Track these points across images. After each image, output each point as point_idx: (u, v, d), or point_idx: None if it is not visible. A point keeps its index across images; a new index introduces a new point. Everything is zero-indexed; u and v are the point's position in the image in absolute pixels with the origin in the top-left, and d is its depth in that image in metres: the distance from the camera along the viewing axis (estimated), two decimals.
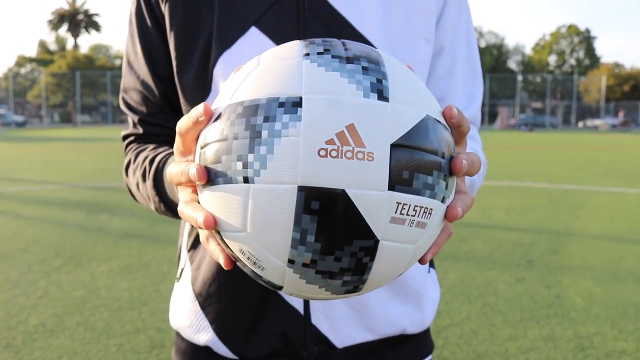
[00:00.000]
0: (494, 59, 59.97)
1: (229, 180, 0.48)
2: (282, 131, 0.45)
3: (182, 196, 0.56)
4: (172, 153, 0.78)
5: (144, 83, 0.88)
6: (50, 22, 68.09)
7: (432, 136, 0.48)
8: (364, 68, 0.48)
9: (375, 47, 0.72)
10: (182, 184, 0.54)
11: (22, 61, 63.33)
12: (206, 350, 0.86)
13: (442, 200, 0.50)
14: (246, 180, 0.47)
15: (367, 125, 0.45)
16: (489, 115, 56.06)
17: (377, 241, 0.47)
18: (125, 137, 0.95)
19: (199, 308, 0.85)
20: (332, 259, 0.47)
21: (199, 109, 0.51)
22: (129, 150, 0.92)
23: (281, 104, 0.46)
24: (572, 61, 67.93)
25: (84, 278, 4.34)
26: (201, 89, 0.81)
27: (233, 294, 0.82)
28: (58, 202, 7.89)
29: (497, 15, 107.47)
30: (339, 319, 0.82)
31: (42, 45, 70.55)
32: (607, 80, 57.80)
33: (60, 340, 3.20)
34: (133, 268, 4.59)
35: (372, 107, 0.46)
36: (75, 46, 66.36)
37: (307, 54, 0.49)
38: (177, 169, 0.53)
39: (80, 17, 67.56)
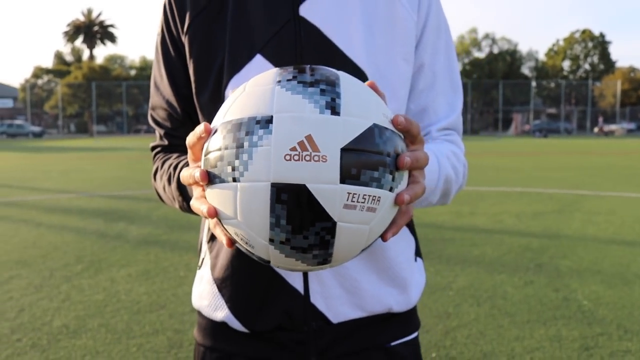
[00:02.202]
0: (507, 65, 59.79)
1: (222, 180, 0.64)
2: (258, 142, 0.61)
3: (194, 193, 0.72)
4: None
5: (168, 102, 1.03)
6: (66, 33, 69.06)
7: (378, 140, 0.62)
8: (321, 90, 0.63)
9: (362, 68, 0.92)
10: (192, 184, 0.70)
11: (39, 72, 64.17)
12: (222, 325, 1.00)
13: (390, 190, 0.64)
14: (234, 179, 0.63)
15: (322, 135, 0.60)
16: (503, 122, 55.90)
17: (334, 223, 0.62)
18: (153, 148, 1.10)
19: (217, 290, 0.99)
20: (301, 237, 0.62)
21: (200, 128, 0.67)
22: (157, 159, 1.07)
23: (258, 122, 0.62)
24: (587, 66, 67.55)
25: (104, 283, 4.49)
26: (215, 107, 0.91)
27: (244, 278, 0.96)
28: (76, 210, 8.09)
29: (509, 22, 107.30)
30: (334, 299, 0.95)
31: (59, 57, 71.54)
32: (622, 85, 57.43)
33: (83, 340, 3.35)
34: (151, 273, 4.74)
35: (326, 121, 0.61)
36: (91, 57, 67.23)
37: (279, 81, 0.65)
38: (187, 173, 0.70)
39: (96, 28, 68.49)
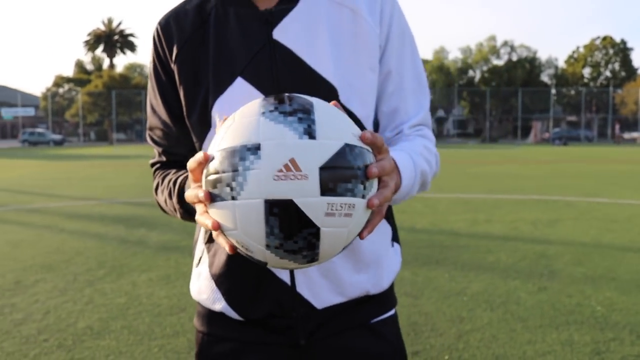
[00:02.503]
0: (526, 72, 59.46)
1: (222, 199, 0.77)
2: (250, 166, 0.74)
3: (197, 210, 0.85)
4: (188, 176, 1.05)
5: (164, 123, 1.17)
6: (86, 42, 70.14)
7: (349, 157, 0.76)
8: (299, 118, 0.76)
9: (331, 82, 1.05)
10: (195, 203, 0.84)
11: (60, 81, 65.19)
12: (220, 314, 1.13)
13: (363, 197, 0.77)
14: (233, 198, 0.75)
15: (303, 157, 0.73)
16: (522, 130, 55.52)
17: (318, 228, 0.75)
18: (153, 165, 1.25)
19: (215, 285, 1.13)
20: (292, 242, 0.76)
21: (200, 155, 0.81)
22: (157, 175, 1.21)
23: (249, 149, 0.75)
24: (608, 73, 66.92)
25: (126, 287, 4.63)
26: (203, 127, 1.09)
27: (238, 274, 1.10)
28: (98, 217, 8.27)
29: (529, 29, 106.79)
30: (317, 287, 1.09)
31: (79, 65, 72.60)
32: None
33: (106, 341, 3.48)
34: (171, 278, 4.88)
35: (305, 145, 0.74)
36: (111, 66, 68.17)
37: (263, 112, 0.78)
38: (191, 193, 0.84)
39: (116, 37, 69.46)
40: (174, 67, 1.11)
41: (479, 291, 4.38)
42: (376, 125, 1.16)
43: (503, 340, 3.42)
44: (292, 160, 0.73)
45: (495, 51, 60.96)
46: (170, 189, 1.10)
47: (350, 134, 0.79)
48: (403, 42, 1.14)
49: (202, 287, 1.16)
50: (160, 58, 1.13)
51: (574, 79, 65.80)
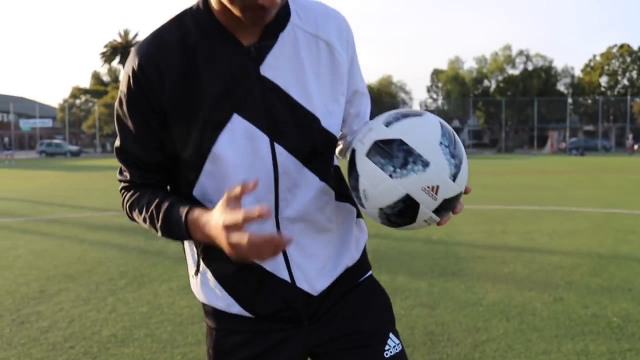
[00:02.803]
0: (542, 82, 59.16)
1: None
2: (416, 171, 1.14)
3: (231, 234, 1.00)
4: (176, 203, 1.17)
5: (145, 152, 1.22)
6: (103, 54, 71.00)
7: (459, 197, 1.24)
8: (455, 165, 1.17)
9: (314, 113, 1.20)
10: (232, 225, 1.00)
11: (76, 92, 66.03)
12: (231, 314, 1.29)
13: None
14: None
15: (443, 190, 1.15)
16: (538, 140, 55.16)
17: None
18: (122, 183, 1.31)
19: (226, 293, 1.28)
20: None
21: (237, 190, 1.00)
22: (129, 194, 1.27)
23: (422, 161, 1.13)
24: (625, 82, 66.41)
25: (148, 296, 4.75)
26: (199, 160, 1.18)
27: (246, 280, 1.26)
28: (117, 227, 8.43)
29: (544, 38, 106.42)
30: (312, 279, 1.28)
31: (96, 77, 73.49)
32: None
33: (130, 349, 3.59)
34: (191, 288, 4.98)
35: (449, 184, 1.16)
36: None
37: (440, 142, 1.15)
38: (232, 218, 0.99)
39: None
40: (163, 103, 1.15)
41: (495, 302, 4.44)
42: None
43: (519, 350, 3.48)
44: (437, 187, 1.12)
45: (510, 60, 60.78)
46: (153, 213, 1.19)
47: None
48: (356, 61, 1.33)
49: (214, 295, 1.30)
50: (144, 92, 1.15)
51: (590, 88, 65.35)
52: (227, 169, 1.17)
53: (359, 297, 1.38)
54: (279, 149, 1.17)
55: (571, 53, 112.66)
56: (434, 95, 74.62)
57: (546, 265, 5.62)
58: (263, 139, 1.16)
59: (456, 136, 1.19)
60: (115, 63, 71.48)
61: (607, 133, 60.01)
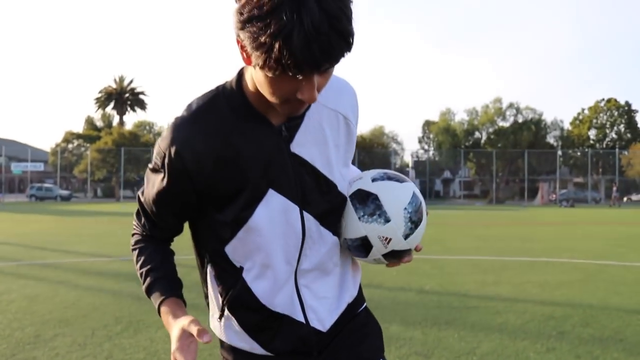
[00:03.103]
0: (532, 134, 60.00)
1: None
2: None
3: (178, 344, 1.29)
4: (161, 281, 1.41)
5: (169, 217, 1.41)
6: (97, 99, 71.61)
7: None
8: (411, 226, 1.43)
9: (335, 183, 1.38)
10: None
11: (69, 137, 66.17)
12: (250, 353, 1.45)
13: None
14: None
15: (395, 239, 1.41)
16: (529, 191, 55.66)
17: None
18: (135, 234, 1.52)
19: (249, 337, 1.44)
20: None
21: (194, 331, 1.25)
22: (138, 244, 1.49)
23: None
24: (613, 135, 67.59)
25: (144, 342, 4.78)
26: (235, 227, 1.33)
27: (267, 324, 1.42)
28: (111, 274, 8.45)
29: (534, 91, 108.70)
30: (323, 319, 1.44)
31: (89, 122, 73.86)
32: None
33: None
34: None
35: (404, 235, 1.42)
36: (121, 123, 69.32)
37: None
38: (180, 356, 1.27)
39: (127, 95, 70.97)
40: (199, 186, 1.28)
41: (488, 351, 4.51)
42: None
43: None
44: (389, 239, 1.37)
45: (501, 113, 61.78)
46: (142, 274, 1.43)
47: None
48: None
49: (237, 337, 1.44)
50: (179, 176, 1.27)
51: (579, 141, 66.41)
52: (260, 237, 1.32)
53: (357, 327, 1.54)
54: (307, 216, 1.34)
55: (560, 106, 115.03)
56: (426, 146, 75.60)
57: (538, 315, 5.71)
58: (295, 210, 1.33)
59: (423, 206, 1.45)
60: (109, 109, 72.09)
61: (597, 185, 60.67)
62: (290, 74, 1.04)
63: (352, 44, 1.06)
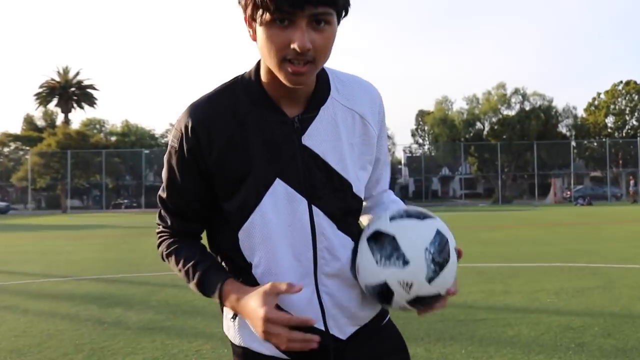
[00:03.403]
0: (541, 123, 60.54)
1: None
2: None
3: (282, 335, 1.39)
4: (211, 270, 1.54)
5: (188, 203, 1.59)
6: (38, 95, 70.65)
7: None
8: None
9: (347, 179, 1.55)
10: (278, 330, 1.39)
11: (5, 139, 65.43)
12: (266, 355, 1.57)
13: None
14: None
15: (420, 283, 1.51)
16: (540, 188, 56.21)
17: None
18: (160, 233, 1.68)
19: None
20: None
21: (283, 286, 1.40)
22: (165, 243, 1.65)
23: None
24: (634, 122, 68.51)
25: None
26: (244, 213, 1.52)
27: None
28: (65, 295, 8.50)
29: (542, 75, 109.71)
30: (342, 326, 1.59)
31: (28, 121, 72.94)
32: None
33: None
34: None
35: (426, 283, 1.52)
36: (66, 121, 68.48)
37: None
38: (281, 332, 1.39)
39: (73, 89, 70.21)
40: (210, 164, 1.49)
41: None
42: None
43: None
44: (411, 283, 1.47)
45: (505, 100, 62.32)
46: (189, 271, 1.55)
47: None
48: (384, 133, 1.69)
49: (253, 337, 1.57)
50: (193, 152, 1.50)
51: (596, 130, 67.26)
52: (266, 228, 1.50)
53: (381, 340, 1.69)
54: (316, 210, 1.51)
55: (573, 91, 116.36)
56: (420, 140, 76.16)
57: (554, 326, 5.89)
58: (302, 202, 1.50)
59: (450, 245, 1.51)
60: (52, 105, 71.24)
61: (617, 179, 61.44)
62: (275, 16, 1.31)
63: None
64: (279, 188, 1.48)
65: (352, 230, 1.59)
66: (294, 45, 1.32)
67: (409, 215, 1.52)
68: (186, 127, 1.49)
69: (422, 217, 1.51)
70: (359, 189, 1.58)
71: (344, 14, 1.44)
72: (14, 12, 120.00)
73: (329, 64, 1.51)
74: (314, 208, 1.51)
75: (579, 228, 20.10)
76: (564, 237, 16.20)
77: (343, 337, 1.60)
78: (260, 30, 1.37)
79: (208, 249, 1.64)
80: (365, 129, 1.59)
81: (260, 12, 1.32)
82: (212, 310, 7.18)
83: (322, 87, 1.54)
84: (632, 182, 48.15)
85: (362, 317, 1.64)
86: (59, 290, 9.06)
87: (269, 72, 1.46)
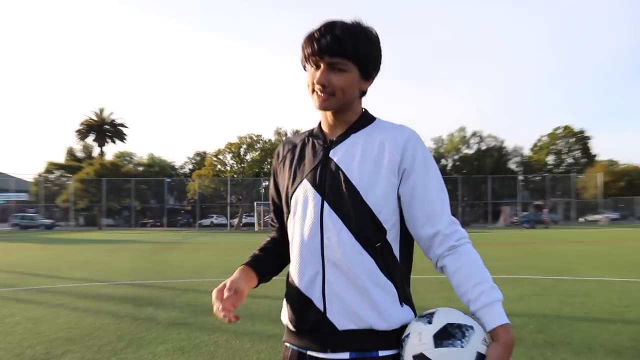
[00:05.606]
0: (495, 160, 61.36)
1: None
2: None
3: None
4: (250, 258, 1.77)
5: (274, 206, 1.86)
6: (78, 131, 70.92)
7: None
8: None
9: (356, 186, 1.56)
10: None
11: (51, 167, 65.39)
12: (288, 328, 1.69)
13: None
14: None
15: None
16: (492, 214, 56.68)
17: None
18: (272, 221, 1.90)
19: (286, 306, 1.70)
20: None
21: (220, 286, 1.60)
22: (272, 231, 1.90)
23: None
24: (570, 160, 69.30)
25: (147, 356, 5.08)
26: (287, 209, 1.76)
27: (297, 298, 1.64)
28: (105, 297, 8.68)
29: (495, 120, 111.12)
30: (338, 315, 1.55)
31: (70, 153, 72.99)
32: (603, 177, 58.83)
33: None
34: (186, 348, 5.35)
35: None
36: (101, 154, 68.74)
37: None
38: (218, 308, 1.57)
39: (107, 127, 70.51)
40: (277, 172, 1.79)
41: None
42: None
43: None
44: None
45: (465, 141, 63.10)
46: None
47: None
48: (420, 172, 1.60)
49: (284, 312, 1.70)
50: (275, 164, 1.82)
51: (539, 166, 67.97)
52: (295, 214, 1.67)
53: None
54: (326, 206, 1.59)
55: (520, 134, 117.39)
56: None
57: None
58: (317, 198, 1.61)
59: None
60: (90, 140, 71.48)
61: (555, 207, 61.98)
62: (310, 64, 1.60)
63: (343, 45, 1.55)
64: (305, 186, 1.64)
65: (359, 231, 1.56)
66: (315, 80, 1.58)
67: (452, 336, 1.43)
68: (277, 149, 1.85)
69: (462, 338, 1.43)
70: (366, 194, 1.57)
71: (368, 68, 1.62)
72: (58, 57, 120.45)
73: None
74: (325, 204, 1.59)
75: (523, 247, 20.39)
76: (510, 254, 16.47)
77: (338, 326, 1.55)
78: (305, 75, 1.63)
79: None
80: (381, 152, 1.60)
81: (305, 62, 1.62)
82: None
83: (361, 123, 1.67)
84: (545, 210, 48.51)
85: (358, 316, 1.54)
86: (100, 292, 9.23)
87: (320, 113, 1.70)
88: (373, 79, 1.68)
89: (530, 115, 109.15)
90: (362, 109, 1.71)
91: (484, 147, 63.04)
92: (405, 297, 1.62)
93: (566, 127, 70.22)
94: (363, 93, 1.69)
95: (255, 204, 53.45)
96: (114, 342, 5.63)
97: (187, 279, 10.95)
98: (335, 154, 1.63)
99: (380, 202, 1.57)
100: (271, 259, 1.80)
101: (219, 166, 56.57)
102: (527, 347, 5.20)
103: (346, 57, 1.56)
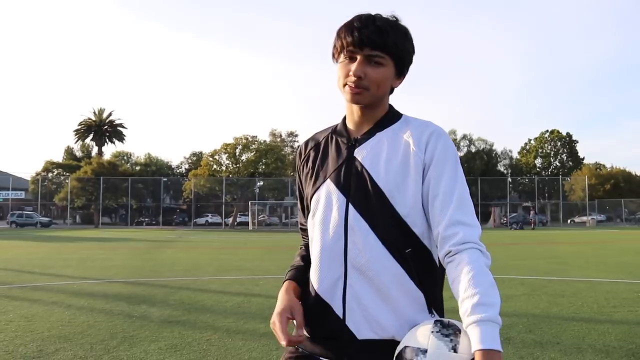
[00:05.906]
0: (484, 163, 61.64)
1: None
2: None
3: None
4: (289, 272, 1.67)
5: (301, 203, 1.75)
6: (77, 131, 70.73)
7: None
8: (451, 339, 1.29)
9: (381, 187, 1.46)
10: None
11: (49, 166, 65.06)
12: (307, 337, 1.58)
13: None
14: None
15: None
16: (482, 215, 56.73)
17: None
18: (301, 225, 1.77)
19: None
20: None
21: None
22: (303, 240, 1.77)
23: (421, 350, 1.29)
24: (557, 163, 69.64)
25: (140, 354, 4.99)
26: (308, 206, 1.65)
27: (313, 312, 1.54)
28: (100, 294, 8.56)
29: (485, 123, 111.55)
30: (358, 323, 1.45)
31: (68, 152, 72.81)
32: (589, 180, 59.08)
33: None
34: (178, 347, 5.25)
35: (452, 357, 1.27)
36: (100, 153, 68.49)
37: (432, 331, 1.32)
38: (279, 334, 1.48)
39: (106, 127, 70.26)
40: (300, 171, 1.69)
41: None
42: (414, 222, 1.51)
43: None
44: None
45: (456, 144, 63.25)
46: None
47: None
48: (442, 170, 1.49)
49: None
50: (297, 164, 1.72)
51: (527, 169, 68.29)
52: (317, 215, 1.56)
53: None
54: (351, 208, 1.48)
55: (509, 137, 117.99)
56: None
57: None
58: (342, 199, 1.50)
59: None
60: (88, 140, 71.24)
61: (543, 209, 62.21)
62: (344, 55, 1.50)
63: (386, 38, 1.46)
64: (327, 186, 1.54)
65: (387, 237, 1.46)
66: (352, 72, 1.46)
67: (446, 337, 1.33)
68: (299, 148, 1.74)
69: (456, 349, 1.30)
70: (392, 197, 1.46)
71: (404, 64, 1.54)
72: (58, 58, 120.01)
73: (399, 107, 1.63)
74: (350, 206, 1.48)
75: (512, 248, 20.39)
76: (500, 255, 16.45)
77: (357, 335, 1.44)
78: (337, 67, 1.52)
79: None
80: (406, 151, 1.50)
81: (337, 54, 1.52)
82: (218, 308, 7.33)
83: (387, 120, 1.57)
84: (532, 212, 48.62)
85: (380, 325, 1.44)
86: (94, 290, 9.11)
87: (346, 106, 1.59)
88: (404, 77, 1.59)
89: (518, 119, 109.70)
90: (389, 105, 1.62)
91: (473, 149, 63.21)
92: (434, 302, 1.51)
93: (553, 131, 70.50)
94: (392, 91, 1.60)
95: (249, 203, 53.39)
96: (106, 339, 5.53)
97: (181, 277, 10.84)
98: (360, 153, 1.54)
99: (407, 205, 1.46)
100: (308, 267, 1.67)
101: (214, 166, 56.49)
102: (516, 346, 5.14)
103: (386, 51, 1.47)
